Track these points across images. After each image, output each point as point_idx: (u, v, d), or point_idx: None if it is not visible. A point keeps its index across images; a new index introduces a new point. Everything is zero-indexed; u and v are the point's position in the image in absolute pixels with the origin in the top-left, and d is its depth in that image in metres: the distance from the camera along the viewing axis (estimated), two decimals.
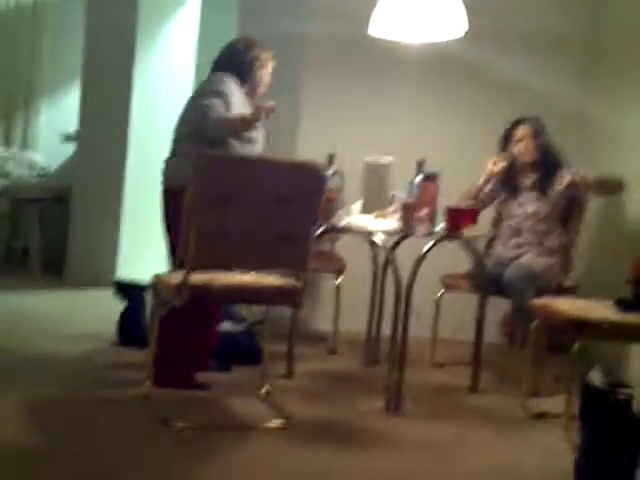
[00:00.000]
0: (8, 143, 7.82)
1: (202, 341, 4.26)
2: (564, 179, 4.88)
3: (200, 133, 4.13)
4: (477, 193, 5.01)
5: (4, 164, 7.57)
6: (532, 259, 4.76)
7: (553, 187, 4.90)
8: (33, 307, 5.88)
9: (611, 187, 4.88)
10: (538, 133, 4.97)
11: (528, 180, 5.00)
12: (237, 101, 4.23)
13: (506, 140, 5.02)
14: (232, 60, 4.36)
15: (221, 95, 4.17)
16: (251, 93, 4.38)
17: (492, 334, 4.99)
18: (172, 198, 4.15)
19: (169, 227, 4.18)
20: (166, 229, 4.20)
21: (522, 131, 4.97)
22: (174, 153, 4.30)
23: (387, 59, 5.55)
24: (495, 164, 4.97)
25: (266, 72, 4.42)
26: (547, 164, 4.94)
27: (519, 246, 4.91)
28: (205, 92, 4.23)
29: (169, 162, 4.30)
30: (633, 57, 5.26)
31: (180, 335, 4.11)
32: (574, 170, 4.88)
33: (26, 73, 7.82)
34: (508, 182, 5.04)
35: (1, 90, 7.83)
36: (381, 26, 4.67)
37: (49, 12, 7.81)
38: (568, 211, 4.97)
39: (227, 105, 4.17)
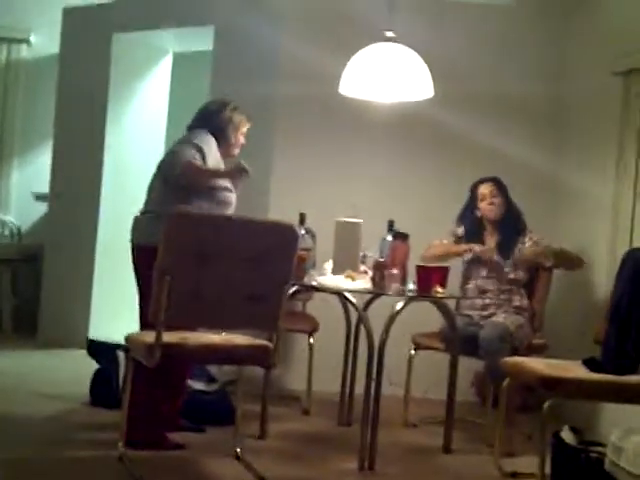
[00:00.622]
0: None
1: (173, 400, 4.24)
2: (525, 246, 4.97)
3: (168, 179, 4.16)
4: (455, 253, 5.04)
5: None
6: (505, 318, 4.79)
7: (514, 252, 4.97)
8: (5, 367, 5.83)
9: (570, 264, 4.96)
10: (500, 192, 5.05)
11: (491, 240, 5.06)
12: (212, 157, 4.26)
13: (472, 199, 5.10)
14: (206, 121, 4.40)
15: (195, 147, 4.20)
16: (225, 153, 4.42)
17: (463, 393, 5.00)
18: (139, 255, 4.18)
19: (138, 283, 4.20)
20: (137, 285, 4.21)
21: (485, 189, 5.06)
22: (145, 211, 4.31)
23: (357, 120, 5.64)
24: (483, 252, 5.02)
25: (240, 133, 4.46)
26: (508, 226, 5.03)
27: (486, 307, 4.95)
28: (180, 143, 4.28)
29: (139, 219, 4.31)
30: (597, 125, 5.38)
31: (151, 395, 4.10)
32: (535, 239, 4.98)
33: None
34: (474, 240, 5.08)
35: None
36: (351, 85, 4.76)
37: (21, 72, 7.86)
38: (532, 275, 5.06)
39: (201, 156, 4.19)
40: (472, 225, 5.12)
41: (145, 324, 4.02)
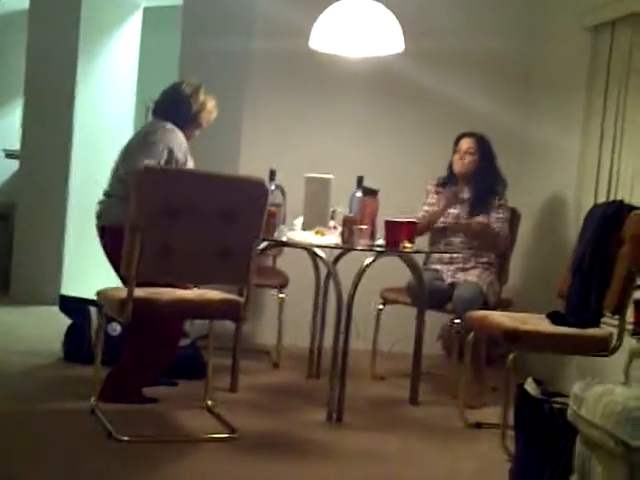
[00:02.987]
0: None
1: (158, 358, 4.25)
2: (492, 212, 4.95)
3: None
4: (440, 214, 5.02)
5: None
6: (478, 276, 4.84)
7: (483, 210, 4.95)
8: None
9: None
10: (478, 149, 5.03)
11: (463, 194, 5.05)
12: (181, 152, 4.25)
13: (453, 151, 5.10)
14: (177, 105, 4.37)
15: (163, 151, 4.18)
16: (190, 135, 4.43)
17: (430, 346, 5.08)
18: (108, 236, 4.19)
19: (112, 261, 4.19)
20: (110, 263, 4.22)
21: (464, 143, 5.05)
22: (111, 193, 4.29)
23: (329, 76, 5.65)
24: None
25: (210, 119, 4.48)
26: (480, 184, 5.00)
27: (453, 262, 5.00)
28: (151, 150, 4.20)
29: (105, 202, 4.31)
30: (566, 79, 5.43)
31: (137, 352, 4.16)
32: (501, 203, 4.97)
33: None
34: (446, 187, 5.10)
35: None
36: (321, 39, 4.75)
37: None
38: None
39: (175, 162, 4.21)
40: (447, 177, 5.14)
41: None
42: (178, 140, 4.29)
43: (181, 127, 4.35)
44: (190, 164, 4.34)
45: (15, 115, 7.43)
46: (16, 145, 7.25)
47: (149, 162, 4.09)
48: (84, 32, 6.77)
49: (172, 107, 4.38)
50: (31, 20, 6.99)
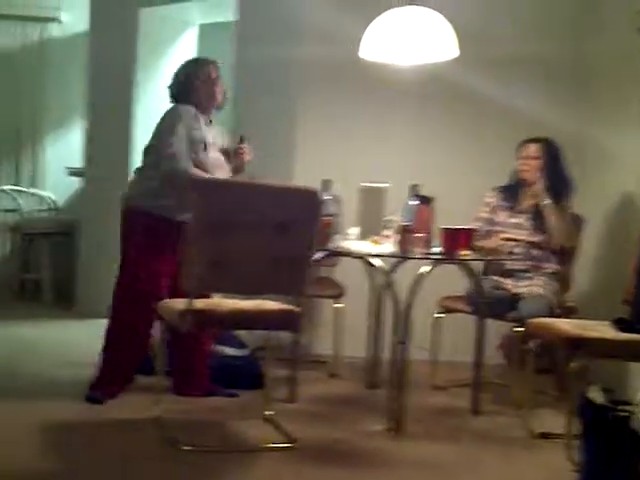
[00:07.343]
0: (17, 179, 7.98)
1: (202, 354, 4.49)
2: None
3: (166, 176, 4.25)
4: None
5: (15, 200, 7.72)
6: (543, 288, 4.75)
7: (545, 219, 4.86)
8: (45, 336, 6.01)
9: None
10: (545, 155, 4.96)
11: (525, 202, 5.00)
12: (197, 132, 4.30)
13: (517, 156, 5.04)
14: (175, 85, 4.45)
15: (180, 137, 4.24)
16: (205, 108, 4.42)
17: (490, 355, 5.01)
18: (123, 217, 4.41)
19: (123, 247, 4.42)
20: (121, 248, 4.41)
21: (530, 149, 4.97)
22: (139, 173, 4.46)
23: (381, 83, 5.58)
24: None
25: (211, 84, 4.43)
26: (547, 192, 4.88)
27: (514, 272, 4.90)
28: (166, 129, 4.28)
29: (131, 182, 4.49)
30: (625, 82, 5.34)
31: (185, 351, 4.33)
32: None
33: (32, 110, 7.95)
34: (508, 195, 5.05)
35: (8, 127, 7.98)
36: (372, 49, 4.73)
37: (53, 49, 7.96)
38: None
39: (189, 142, 4.26)
40: (511, 183, 5.07)
41: (120, 296, 4.38)
42: (189, 120, 4.29)
43: (190, 103, 4.37)
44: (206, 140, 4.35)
45: (77, 133, 7.55)
46: (78, 163, 7.36)
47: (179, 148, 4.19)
48: (142, 51, 6.87)
49: (174, 90, 4.45)
50: (91, 41, 7.12)
